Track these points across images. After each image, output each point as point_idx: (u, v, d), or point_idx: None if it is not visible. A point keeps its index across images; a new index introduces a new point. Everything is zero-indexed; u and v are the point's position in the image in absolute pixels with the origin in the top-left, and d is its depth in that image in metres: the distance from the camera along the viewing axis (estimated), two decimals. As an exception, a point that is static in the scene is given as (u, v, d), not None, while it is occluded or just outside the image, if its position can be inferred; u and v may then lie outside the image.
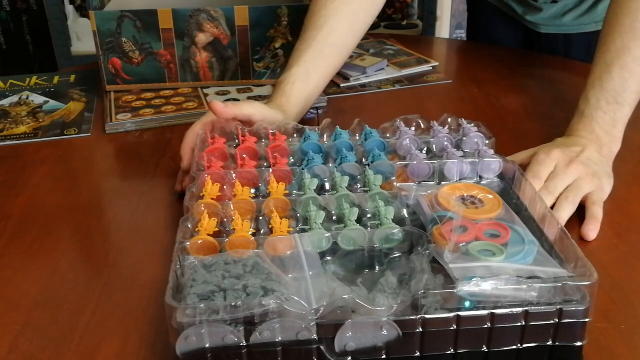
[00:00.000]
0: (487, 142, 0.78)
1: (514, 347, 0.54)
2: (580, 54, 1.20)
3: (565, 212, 0.73)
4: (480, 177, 0.75)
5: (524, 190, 0.69)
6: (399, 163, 0.74)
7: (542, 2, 1.18)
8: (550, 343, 0.54)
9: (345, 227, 0.62)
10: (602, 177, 0.77)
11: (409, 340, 0.52)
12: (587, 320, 0.53)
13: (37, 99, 1.11)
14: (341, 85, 1.15)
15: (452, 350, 0.53)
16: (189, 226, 0.62)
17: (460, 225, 0.61)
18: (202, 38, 1.07)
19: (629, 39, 0.81)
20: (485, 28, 1.35)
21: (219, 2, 1.06)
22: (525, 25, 1.24)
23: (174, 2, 1.06)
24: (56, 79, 1.19)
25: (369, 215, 0.65)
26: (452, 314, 0.52)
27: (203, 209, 0.65)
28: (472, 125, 0.80)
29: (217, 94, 1.09)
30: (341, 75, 1.18)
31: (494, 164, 0.74)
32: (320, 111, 1.05)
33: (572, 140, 0.81)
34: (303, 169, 0.72)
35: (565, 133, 0.84)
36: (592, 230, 0.71)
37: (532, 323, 0.53)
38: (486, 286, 0.52)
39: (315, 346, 0.52)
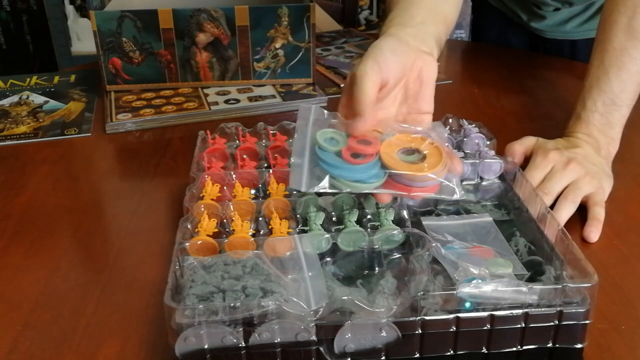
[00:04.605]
0: (488, 142, 0.78)
1: (514, 349, 0.54)
2: (586, 59, 1.19)
3: (565, 212, 0.72)
4: (481, 178, 0.75)
5: (524, 191, 0.69)
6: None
7: (546, 10, 1.17)
8: (550, 345, 0.54)
9: (344, 228, 0.62)
10: (601, 177, 0.77)
11: (408, 342, 0.52)
12: (587, 322, 0.53)
13: (37, 99, 1.11)
14: (341, 86, 1.14)
15: (451, 352, 0.53)
16: (189, 227, 0.62)
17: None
18: (202, 38, 1.07)
19: (626, 38, 0.80)
20: (491, 32, 1.34)
21: (219, 2, 1.06)
22: (530, 31, 1.24)
23: (174, 2, 1.06)
24: (56, 79, 1.19)
25: (368, 217, 0.65)
26: (451, 316, 0.52)
27: (203, 209, 0.65)
28: (473, 125, 0.80)
29: (217, 94, 1.09)
30: (341, 75, 1.18)
31: (494, 165, 0.74)
32: (320, 111, 1.05)
33: (570, 142, 0.80)
34: (303, 170, 0.71)
35: (564, 135, 0.84)
36: (593, 232, 0.71)
37: (532, 325, 0.53)
38: (486, 288, 0.52)
39: (314, 347, 0.52)
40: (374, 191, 0.59)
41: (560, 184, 0.74)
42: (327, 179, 0.58)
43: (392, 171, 0.58)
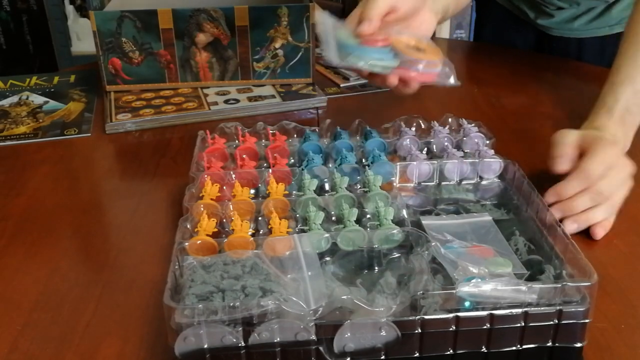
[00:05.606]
0: (488, 142, 0.78)
1: (514, 348, 0.54)
2: (593, 58, 1.18)
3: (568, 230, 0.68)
4: (481, 178, 0.75)
5: (524, 190, 0.69)
6: (399, 163, 0.74)
7: (553, 8, 1.17)
8: (550, 344, 0.54)
9: (344, 227, 0.62)
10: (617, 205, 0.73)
11: (408, 341, 0.52)
12: (587, 321, 0.53)
13: (37, 99, 1.11)
14: (341, 85, 1.14)
15: (451, 351, 0.53)
16: (188, 226, 0.62)
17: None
18: (202, 38, 1.07)
19: None
20: (495, 30, 1.34)
21: (219, 2, 1.06)
22: (536, 29, 1.24)
23: (174, 2, 1.06)
24: (56, 79, 1.19)
25: (368, 216, 0.65)
26: (451, 315, 0.52)
27: (202, 209, 0.65)
28: (473, 125, 0.80)
29: (217, 94, 1.09)
30: (341, 75, 1.18)
31: (494, 164, 0.74)
32: (320, 111, 1.05)
33: (612, 140, 0.75)
34: (303, 170, 0.72)
35: (592, 126, 0.79)
36: (600, 232, 0.70)
37: (531, 324, 0.53)
38: (485, 287, 0.52)
39: (314, 347, 0.52)
40: (392, 69, 0.71)
41: (580, 209, 0.71)
42: (353, 56, 0.70)
43: (406, 57, 0.71)
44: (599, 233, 0.71)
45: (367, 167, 0.72)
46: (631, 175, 0.73)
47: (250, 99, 1.07)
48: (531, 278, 0.58)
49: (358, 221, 0.63)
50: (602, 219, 0.71)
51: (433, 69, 0.72)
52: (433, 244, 0.59)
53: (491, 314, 0.52)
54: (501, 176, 0.75)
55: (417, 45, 0.73)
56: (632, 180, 0.73)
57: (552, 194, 0.71)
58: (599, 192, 0.70)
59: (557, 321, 0.53)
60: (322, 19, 0.74)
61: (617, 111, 0.79)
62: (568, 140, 0.73)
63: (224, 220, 0.65)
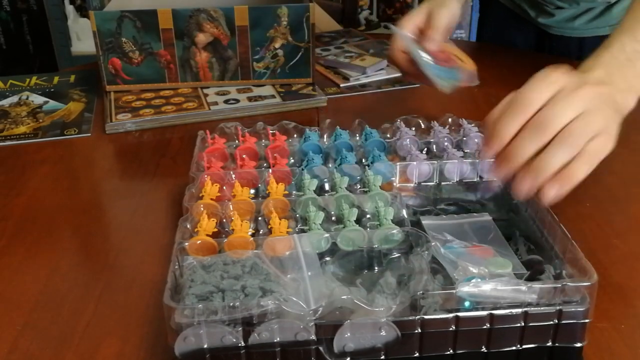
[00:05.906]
0: (487, 142, 0.78)
1: (514, 348, 0.54)
2: None
3: (557, 162, 0.53)
4: (481, 177, 0.75)
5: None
6: (399, 163, 0.74)
7: (552, 7, 1.17)
8: (550, 344, 0.54)
9: (344, 227, 0.62)
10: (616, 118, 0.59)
11: (408, 341, 0.52)
12: (586, 321, 0.53)
13: (37, 99, 1.11)
14: (341, 85, 1.14)
15: (451, 351, 0.53)
16: (188, 226, 0.62)
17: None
18: (201, 38, 1.07)
19: None
20: (496, 29, 1.34)
21: (218, 2, 1.06)
22: (537, 27, 1.24)
23: (174, 2, 1.06)
24: (56, 79, 1.19)
25: (368, 216, 0.65)
26: (451, 315, 0.52)
27: (202, 209, 0.65)
28: (473, 125, 0.80)
29: (217, 94, 1.09)
30: (341, 75, 1.18)
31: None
32: (320, 111, 1.05)
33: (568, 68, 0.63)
34: (302, 170, 0.72)
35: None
36: (554, 189, 0.54)
37: (531, 324, 0.53)
38: (485, 287, 0.52)
39: (313, 347, 0.52)
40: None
41: (565, 117, 0.54)
42: (440, 79, 0.86)
43: (465, 70, 0.88)
44: (550, 192, 0.54)
45: (367, 167, 0.72)
46: (617, 109, 0.58)
47: (250, 99, 1.07)
48: (531, 278, 0.58)
49: (358, 221, 0.63)
50: (559, 163, 0.53)
51: (473, 77, 0.90)
52: (433, 244, 0.59)
53: (491, 314, 0.52)
54: (501, 176, 0.74)
55: (456, 54, 0.89)
56: (618, 115, 0.58)
57: (490, 145, 0.55)
58: (540, 123, 0.53)
59: (557, 321, 0.53)
60: (407, 43, 0.86)
61: (608, 55, 0.66)
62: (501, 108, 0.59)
63: (224, 220, 0.65)
